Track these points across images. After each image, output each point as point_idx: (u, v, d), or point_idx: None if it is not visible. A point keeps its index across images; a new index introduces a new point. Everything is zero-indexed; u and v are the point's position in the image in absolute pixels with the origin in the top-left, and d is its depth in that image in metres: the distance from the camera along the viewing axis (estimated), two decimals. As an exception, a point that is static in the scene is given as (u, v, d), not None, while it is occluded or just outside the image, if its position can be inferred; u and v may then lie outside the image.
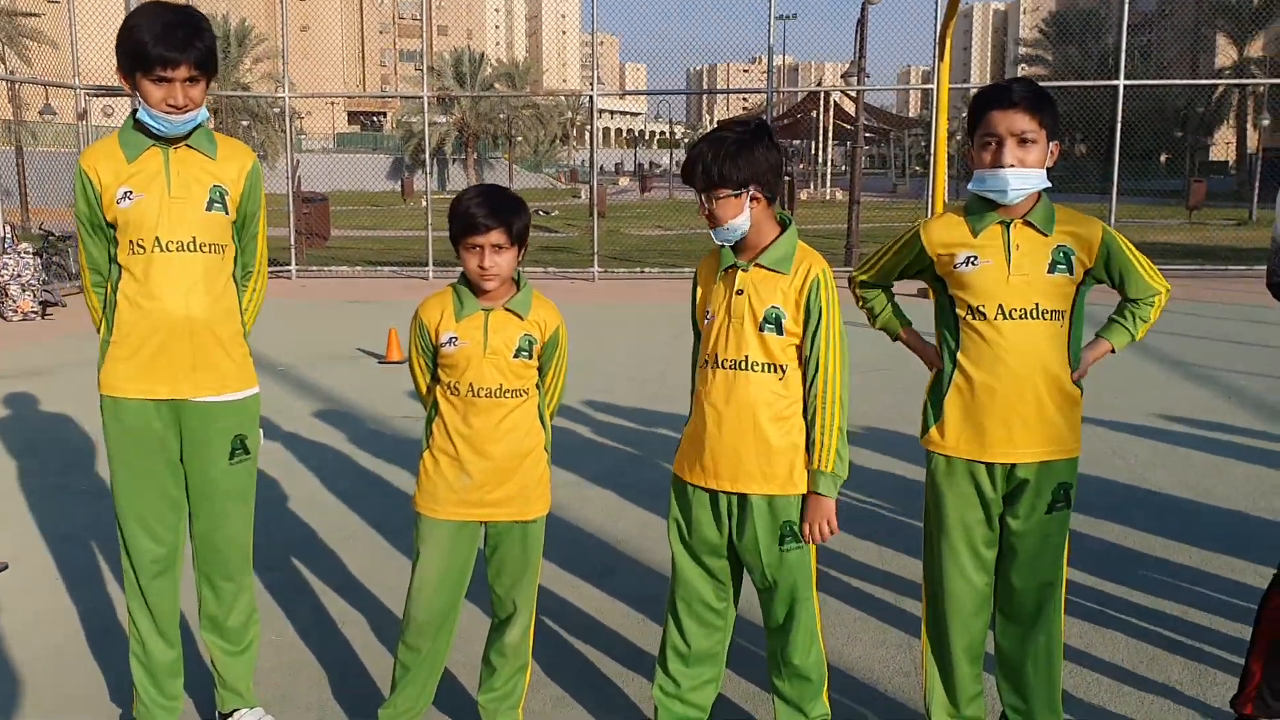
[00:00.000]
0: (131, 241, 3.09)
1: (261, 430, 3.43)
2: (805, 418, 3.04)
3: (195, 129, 3.13)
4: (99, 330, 3.23)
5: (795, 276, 3.00)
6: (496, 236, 3.07)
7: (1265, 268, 3.51)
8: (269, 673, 3.88)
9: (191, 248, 3.11)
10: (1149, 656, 4.05)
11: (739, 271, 3.05)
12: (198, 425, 3.22)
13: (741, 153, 2.94)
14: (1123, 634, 4.24)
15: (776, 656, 3.23)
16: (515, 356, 3.17)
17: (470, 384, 3.16)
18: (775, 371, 3.01)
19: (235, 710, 3.46)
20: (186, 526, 3.35)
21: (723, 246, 3.09)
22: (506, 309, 3.18)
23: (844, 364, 3.02)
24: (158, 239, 3.08)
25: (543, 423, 3.30)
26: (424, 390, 3.33)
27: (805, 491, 3.04)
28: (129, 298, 3.12)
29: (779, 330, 2.99)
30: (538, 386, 3.28)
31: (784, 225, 3.08)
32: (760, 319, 3.00)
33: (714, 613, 3.24)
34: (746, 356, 3.01)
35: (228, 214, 3.20)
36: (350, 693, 3.81)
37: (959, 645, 3.19)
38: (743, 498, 3.07)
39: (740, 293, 3.03)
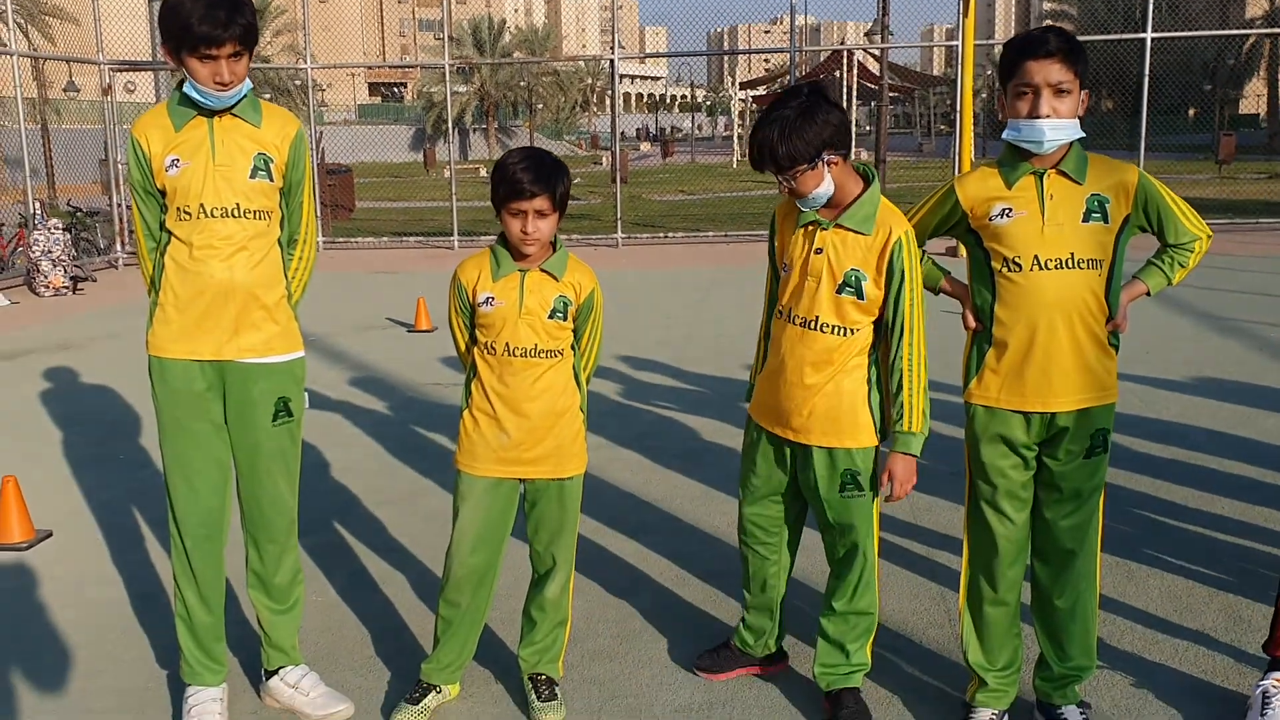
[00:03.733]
0: (179, 208, 3.18)
1: (306, 395, 3.49)
2: (885, 376, 3.12)
3: (241, 99, 3.20)
4: (149, 294, 3.31)
5: (877, 238, 3.02)
6: (540, 203, 3.10)
7: None
8: (312, 632, 3.95)
9: (236, 214, 3.19)
10: (1183, 604, 4.07)
11: (819, 229, 3.06)
12: (240, 386, 3.28)
13: (806, 125, 2.94)
14: (1157, 582, 4.26)
15: (830, 594, 3.36)
16: (550, 317, 3.21)
17: (506, 344, 3.20)
18: (844, 334, 3.06)
19: (281, 668, 3.53)
20: (234, 491, 3.42)
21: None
22: (542, 270, 3.22)
23: (924, 325, 3.07)
24: (203, 205, 3.16)
25: (578, 383, 3.34)
26: (463, 349, 3.38)
27: (876, 445, 3.16)
28: (177, 262, 3.20)
29: (859, 294, 3.03)
30: (573, 348, 3.32)
31: (866, 179, 3.09)
32: (840, 281, 3.02)
33: (769, 546, 3.42)
34: (817, 317, 3.07)
35: (272, 180, 3.27)
36: (392, 650, 3.89)
37: (996, 593, 3.21)
38: (806, 447, 3.18)
39: (819, 251, 3.06)
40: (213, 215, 3.17)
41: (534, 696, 3.43)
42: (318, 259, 3.49)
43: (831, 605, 3.34)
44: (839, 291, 3.03)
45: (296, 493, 3.50)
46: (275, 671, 3.53)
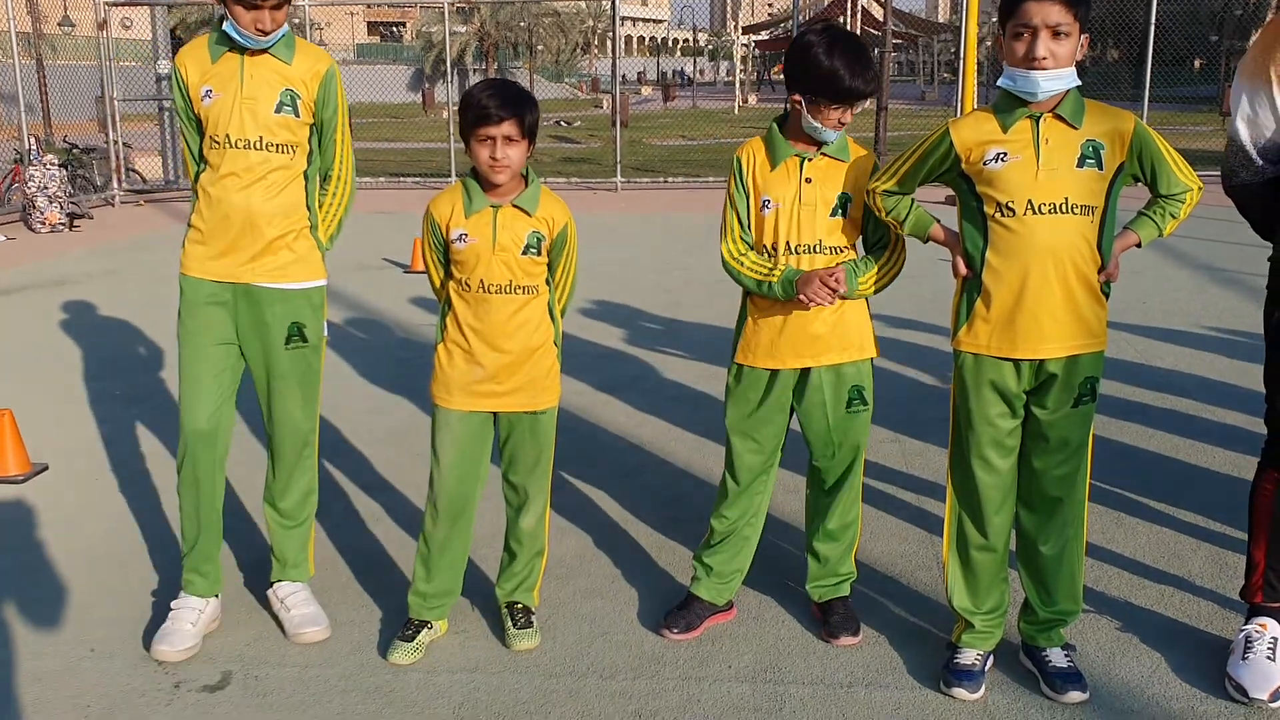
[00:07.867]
0: (210, 136, 3.37)
1: (327, 325, 3.60)
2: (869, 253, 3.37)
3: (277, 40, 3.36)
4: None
5: (855, 165, 3.29)
6: (509, 128, 3.11)
7: None
8: (305, 567, 3.98)
9: (258, 146, 3.35)
10: (1170, 551, 4.10)
11: (804, 161, 3.26)
12: (254, 309, 3.43)
13: (873, 62, 3.23)
14: (1145, 530, 4.29)
15: (823, 517, 3.53)
16: (524, 253, 3.24)
17: (481, 280, 3.24)
18: (840, 254, 3.31)
19: (279, 581, 3.66)
20: (234, 409, 3.57)
21: (772, 137, 3.30)
22: (515, 205, 3.24)
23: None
24: (228, 135, 3.34)
25: (552, 318, 3.38)
26: (438, 285, 3.42)
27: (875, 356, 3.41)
28: (205, 188, 3.40)
29: (847, 214, 3.29)
30: (548, 283, 3.35)
31: None
32: (833, 205, 3.26)
33: (757, 485, 3.54)
34: (820, 240, 3.27)
35: (298, 116, 3.40)
36: (380, 586, 3.92)
37: (985, 540, 3.22)
38: (809, 371, 3.36)
39: (809, 181, 3.24)
40: (236, 146, 3.34)
41: (510, 624, 3.50)
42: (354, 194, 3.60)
43: (825, 526, 3.52)
44: (833, 214, 3.26)
45: (314, 418, 3.62)
46: (274, 584, 3.67)
